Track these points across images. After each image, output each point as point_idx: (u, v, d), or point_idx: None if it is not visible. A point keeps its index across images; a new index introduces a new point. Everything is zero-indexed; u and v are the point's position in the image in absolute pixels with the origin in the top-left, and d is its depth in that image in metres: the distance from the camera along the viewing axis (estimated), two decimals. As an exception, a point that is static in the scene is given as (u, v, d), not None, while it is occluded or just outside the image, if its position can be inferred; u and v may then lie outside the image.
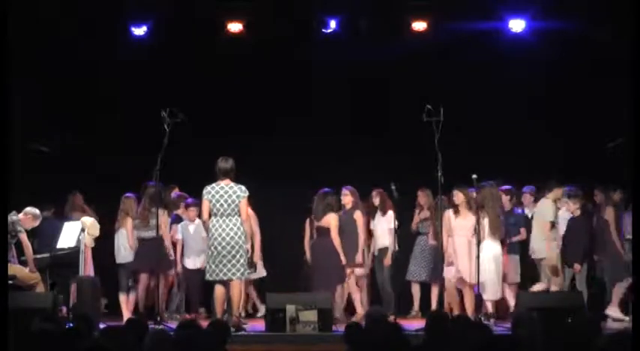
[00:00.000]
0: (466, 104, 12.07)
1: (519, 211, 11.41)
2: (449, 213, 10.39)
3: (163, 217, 10.67)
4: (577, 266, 10.88)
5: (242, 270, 9.62)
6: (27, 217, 10.13)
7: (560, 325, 7.15)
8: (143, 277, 10.94)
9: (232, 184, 9.70)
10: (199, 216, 10.67)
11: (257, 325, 10.23)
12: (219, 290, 9.70)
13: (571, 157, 12.18)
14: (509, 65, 12.28)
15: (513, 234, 11.22)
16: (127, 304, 10.96)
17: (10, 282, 9.08)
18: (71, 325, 6.72)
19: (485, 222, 10.37)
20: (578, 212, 11.12)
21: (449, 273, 10.32)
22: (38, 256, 10.14)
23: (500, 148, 12.28)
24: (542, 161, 12.25)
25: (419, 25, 12.35)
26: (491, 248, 10.37)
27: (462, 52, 12.33)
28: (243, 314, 10.65)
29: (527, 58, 12.34)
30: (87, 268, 10.60)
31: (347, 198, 11.08)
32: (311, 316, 9.30)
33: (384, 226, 11.33)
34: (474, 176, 10.27)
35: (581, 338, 5.57)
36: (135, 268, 10.89)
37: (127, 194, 11.05)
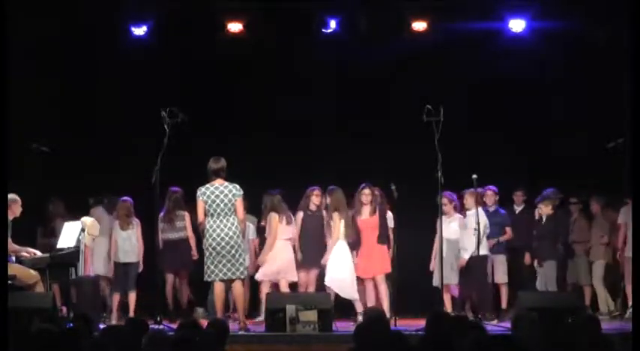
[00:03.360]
0: (466, 104, 12.07)
1: (503, 211, 11.45)
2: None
3: (188, 218, 11.12)
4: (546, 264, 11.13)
5: (241, 269, 9.62)
6: (17, 205, 10.03)
7: (560, 325, 7.15)
8: (169, 277, 11.40)
9: (226, 183, 9.67)
10: None
11: (257, 325, 10.23)
12: (218, 289, 9.69)
13: (571, 157, 12.18)
14: (509, 65, 12.27)
15: (498, 234, 11.26)
16: (118, 303, 11.20)
17: (10, 282, 9.06)
18: (71, 325, 6.71)
19: (342, 224, 10.70)
20: (551, 212, 11.21)
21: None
22: (38, 256, 10.13)
23: (500, 148, 12.29)
24: (541, 161, 12.26)
25: (419, 25, 12.35)
26: (346, 248, 10.68)
27: (462, 52, 12.33)
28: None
29: (527, 58, 12.34)
30: (87, 268, 10.64)
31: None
32: (311, 316, 9.29)
33: None
34: (474, 176, 10.29)
35: (581, 338, 5.57)
36: (162, 267, 11.06)
37: (124, 198, 11.26)
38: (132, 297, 11.17)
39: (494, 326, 9.60)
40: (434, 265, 11.02)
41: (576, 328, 6.06)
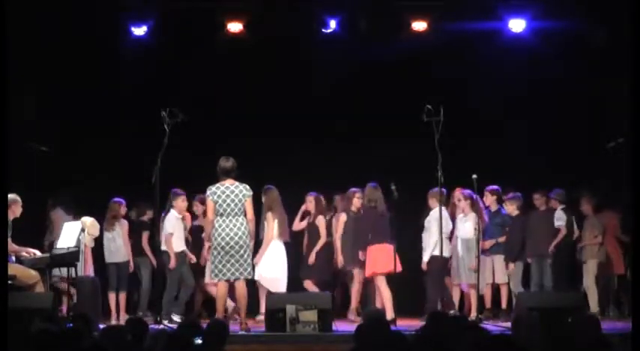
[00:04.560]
0: (466, 104, 12.07)
1: (505, 211, 11.44)
2: None
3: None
4: (511, 265, 11.14)
5: (249, 269, 9.65)
6: (17, 206, 10.05)
7: (560, 325, 7.15)
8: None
9: (237, 183, 9.68)
10: None
11: (257, 325, 10.23)
12: (222, 289, 9.70)
13: (570, 157, 12.19)
14: (509, 65, 12.27)
15: (499, 234, 11.26)
16: (115, 303, 11.34)
17: (10, 282, 9.06)
18: (71, 325, 6.71)
19: (276, 224, 10.86)
20: (515, 212, 11.23)
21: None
22: (38, 256, 10.14)
23: (500, 148, 12.29)
24: (541, 161, 12.26)
25: (419, 25, 12.34)
26: (281, 248, 10.84)
27: (462, 52, 12.32)
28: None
29: (527, 58, 12.34)
30: (87, 268, 10.68)
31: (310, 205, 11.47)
32: (311, 316, 9.29)
33: None
34: (474, 176, 10.29)
35: (581, 338, 5.57)
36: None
37: (115, 199, 11.40)
38: (121, 297, 11.36)
39: (495, 326, 9.59)
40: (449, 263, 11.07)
41: (576, 328, 6.06)
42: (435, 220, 10.68)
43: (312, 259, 11.32)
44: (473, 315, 10.65)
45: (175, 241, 11.03)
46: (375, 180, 11.23)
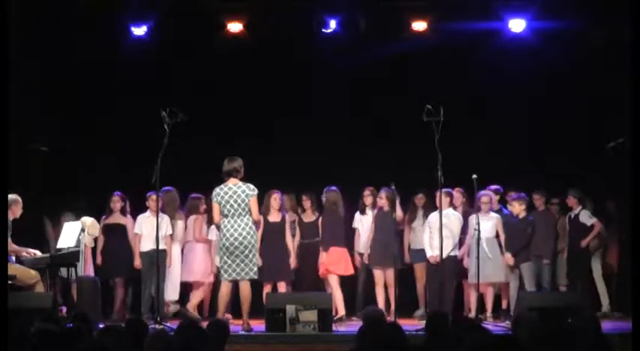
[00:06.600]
0: (466, 104, 12.07)
1: (507, 211, 11.43)
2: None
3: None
4: (524, 265, 10.99)
5: (255, 269, 9.70)
6: (17, 206, 10.03)
7: (560, 325, 7.15)
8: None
9: (240, 183, 9.71)
10: None
11: (257, 326, 10.23)
12: (225, 289, 9.75)
13: (571, 158, 12.19)
14: (509, 65, 12.27)
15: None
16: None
17: (10, 282, 9.06)
18: (71, 325, 6.71)
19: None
20: (523, 214, 11.15)
21: None
22: (38, 256, 10.14)
23: (500, 149, 12.30)
24: (541, 161, 12.26)
25: (419, 25, 12.34)
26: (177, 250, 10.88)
27: (462, 52, 12.32)
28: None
29: (527, 58, 12.34)
30: (87, 268, 10.68)
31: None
32: (311, 316, 9.30)
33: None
34: (474, 176, 10.29)
35: (581, 338, 5.57)
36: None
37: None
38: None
39: (495, 326, 9.59)
40: (467, 262, 11.01)
41: (576, 328, 6.05)
42: (451, 220, 10.73)
43: (293, 261, 11.15)
44: (472, 315, 10.64)
45: (144, 241, 10.96)
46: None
